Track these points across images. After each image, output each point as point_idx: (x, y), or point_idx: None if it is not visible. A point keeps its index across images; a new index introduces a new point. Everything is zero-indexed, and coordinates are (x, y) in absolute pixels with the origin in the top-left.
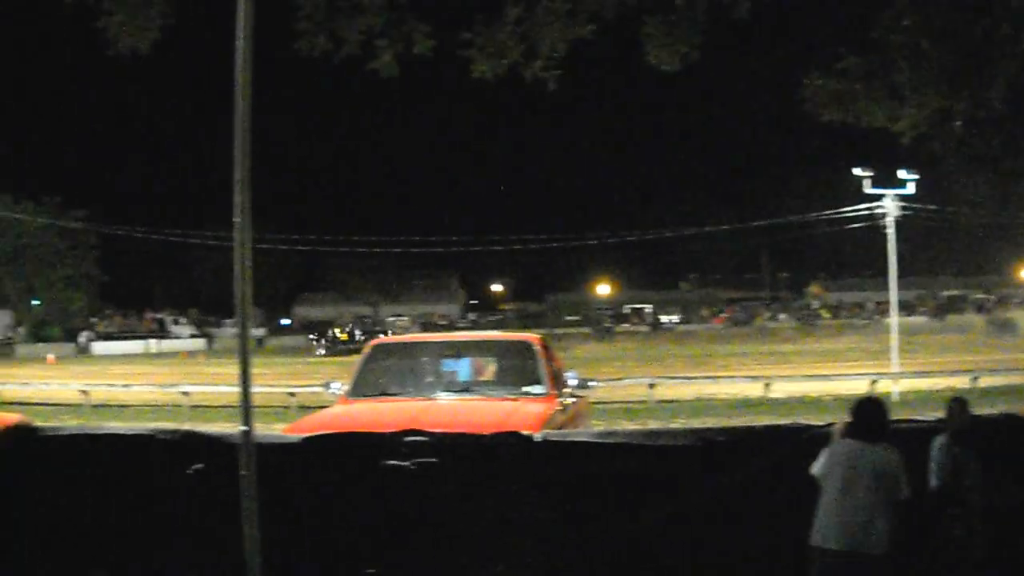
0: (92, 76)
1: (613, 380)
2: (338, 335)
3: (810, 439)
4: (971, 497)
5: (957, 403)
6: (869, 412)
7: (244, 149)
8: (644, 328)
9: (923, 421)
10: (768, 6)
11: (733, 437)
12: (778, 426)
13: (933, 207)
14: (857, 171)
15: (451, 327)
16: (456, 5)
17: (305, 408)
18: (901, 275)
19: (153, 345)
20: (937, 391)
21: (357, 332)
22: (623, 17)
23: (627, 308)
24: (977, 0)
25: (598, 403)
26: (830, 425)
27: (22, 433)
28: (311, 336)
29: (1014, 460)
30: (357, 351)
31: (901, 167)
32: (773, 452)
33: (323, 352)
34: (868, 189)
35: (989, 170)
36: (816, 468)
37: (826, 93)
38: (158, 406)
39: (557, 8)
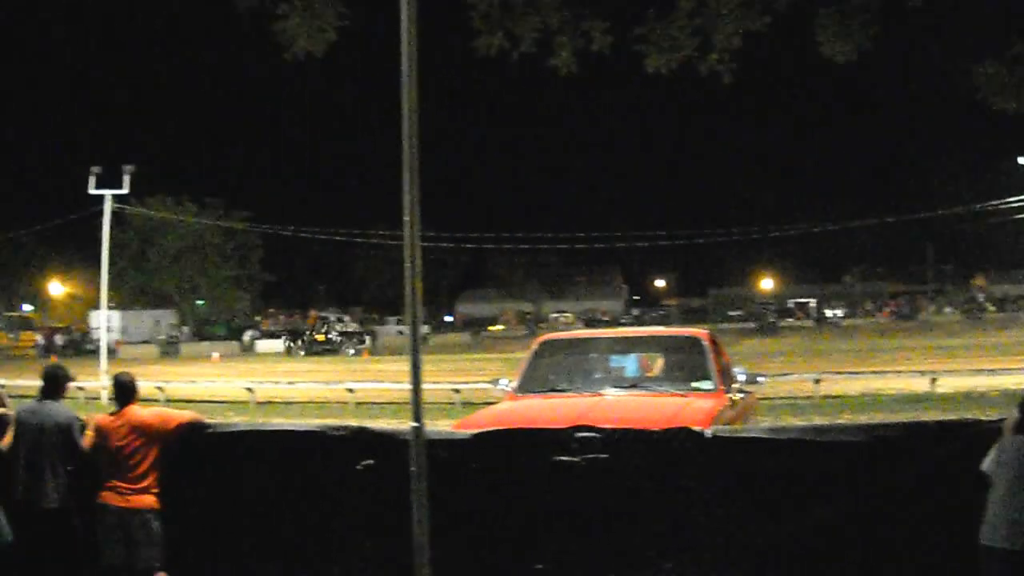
0: (259, 79)
1: (778, 375)
2: (316, 337)
3: (980, 435)
4: None
5: None
6: None
7: (412, 148)
8: (808, 323)
9: None
10: None
11: (903, 433)
12: (948, 421)
13: None
14: (1023, 160)
15: (614, 323)
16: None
17: (469, 405)
18: None
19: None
20: None
21: (333, 333)
22: (796, 8)
23: (790, 302)
24: None
25: (764, 399)
26: (1001, 420)
27: (195, 429)
28: (286, 338)
29: None
30: (334, 351)
31: None
32: (943, 448)
33: (303, 353)
34: None
35: None
36: (986, 464)
37: (998, 81)
38: (323, 403)
39: (731, 1)
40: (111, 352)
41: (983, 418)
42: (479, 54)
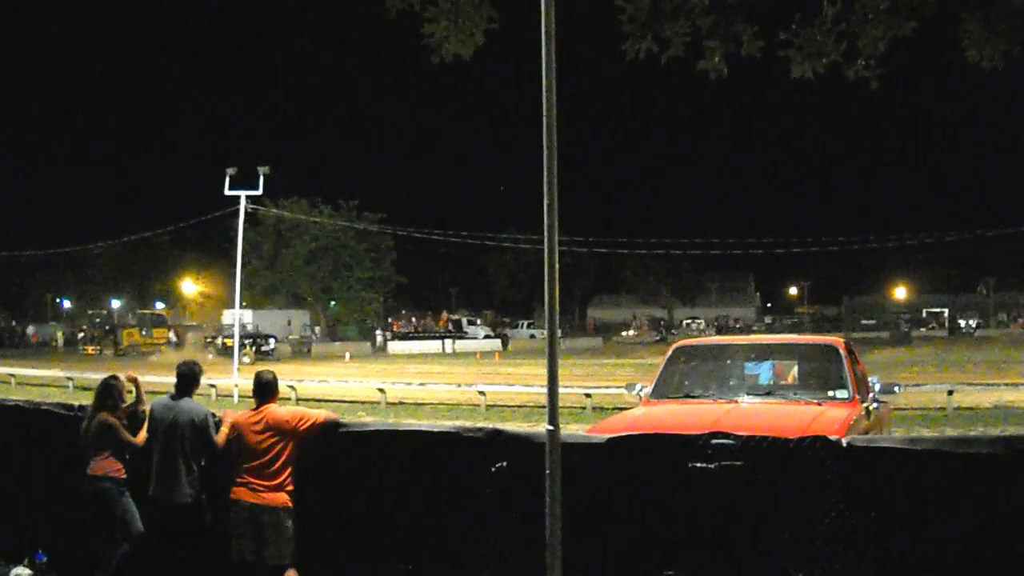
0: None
1: (911, 386)
2: (224, 343)
3: None
4: None
5: None
6: None
7: (552, 153)
8: (941, 332)
9: None
10: None
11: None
12: None
13: None
14: None
15: (746, 330)
16: (773, 4)
17: (600, 410)
18: None
19: (448, 345)
20: None
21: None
22: (942, 13)
23: (924, 312)
24: None
25: (896, 409)
26: None
27: (330, 429)
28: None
29: None
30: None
31: None
32: None
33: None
34: None
35: None
36: None
37: None
38: (454, 405)
39: (877, 5)
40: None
41: None
42: (626, 57)
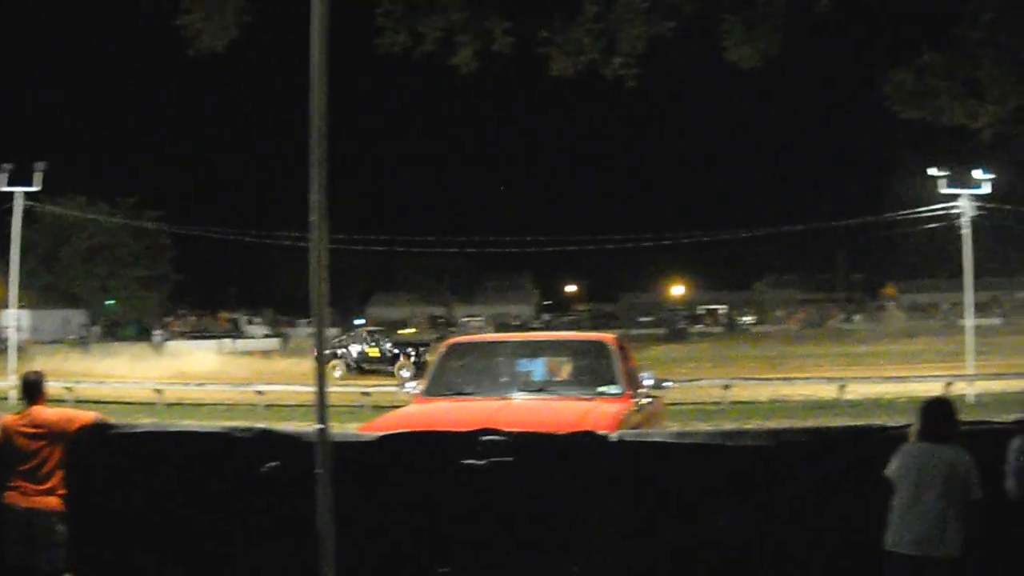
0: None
1: (688, 381)
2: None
3: (886, 441)
4: None
5: None
6: (938, 413)
7: (320, 148)
8: (718, 329)
9: (999, 423)
10: (849, 1)
11: (810, 438)
12: (854, 427)
13: (1009, 207)
14: (932, 171)
15: (525, 328)
16: (535, 3)
17: (380, 408)
18: (977, 276)
19: (227, 344)
20: (1013, 393)
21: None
22: (702, 14)
23: (701, 309)
24: None
25: (673, 404)
26: (906, 426)
27: (99, 430)
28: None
29: None
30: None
31: (978, 166)
32: (849, 454)
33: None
34: (943, 189)
35: None
36: (890, 470)
37: (906, 90)
38: (233, 405)
39: (636, 5)
40: (20, 350)
41: (889, 424)
42: (383, 52)
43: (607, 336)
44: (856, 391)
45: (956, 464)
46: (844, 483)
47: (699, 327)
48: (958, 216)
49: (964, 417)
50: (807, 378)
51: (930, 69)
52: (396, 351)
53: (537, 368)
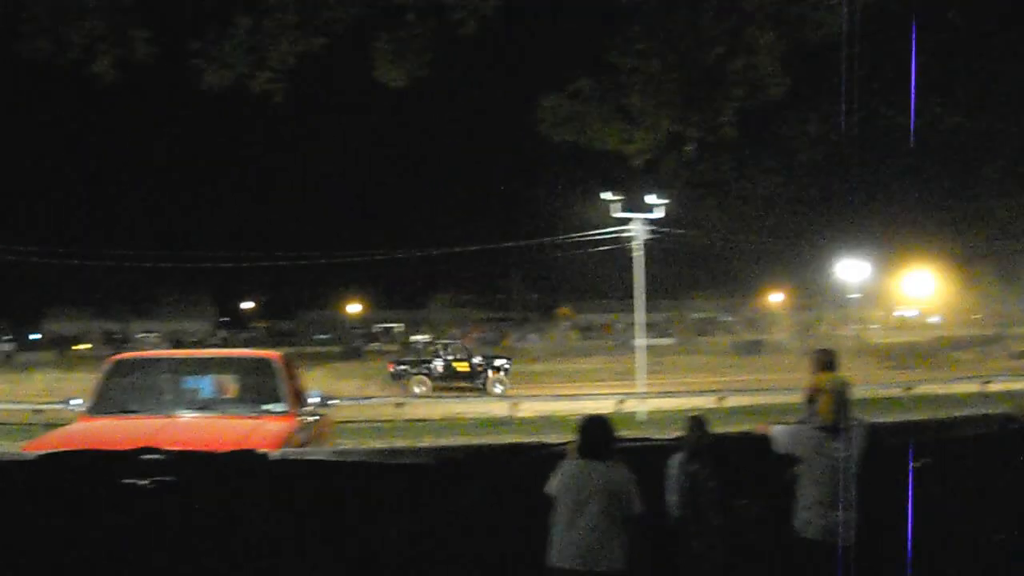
0: None
1: (363, 399)
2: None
3: (547, 457)
4: (709, 514)
5: (693, 421)
6: (595, 430)
7: None
8: (394, 347)
9: (662, 439)
10: (500, 25)
11: (471, 455)
12: (515, 444)
13: (680, 231)
14: (606, 195)
15: (201, 344)
16: (186, 14)
17: (53, 426)
18: (652, 297)
19: None
20: (682, 411)
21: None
22: (355, 31)
23: (377, 327)
24: (710, 29)
25: (347, 422)
26: (567, 443)
27: None
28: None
29: (750, 477)
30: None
31: (652, 191)
32: (511, 470)
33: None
34: (616, 213)
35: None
36: (550, 487)
37: (559, 114)
38: None
39: (288, 20)
40: None
41: (550, 441)
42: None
43: (272, 353)
44: (529, 408)
45: (615, 479)
46: (506, 499)
47: (375, 345)
48: (631, 239)
49: (636, 434)
50: (479, 396)
51: (582, 94)
52: (484, 365)
53: (203, 385)
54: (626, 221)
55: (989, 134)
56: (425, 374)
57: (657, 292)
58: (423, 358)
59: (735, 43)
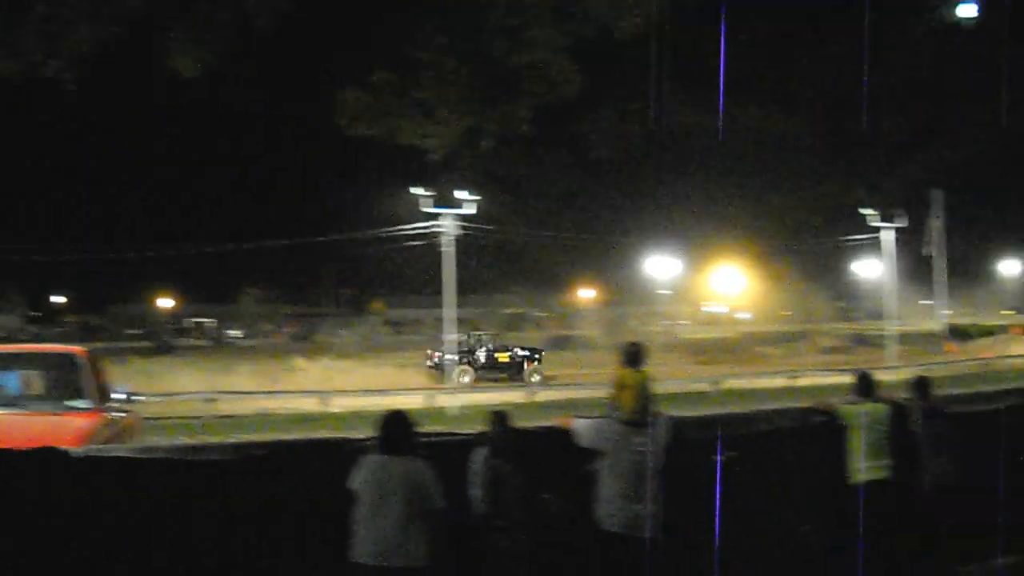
0: None
1: (172, 395)
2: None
3: (351, 453)
4: (512, 508)
5: (496, 416)
6: (394, 425)
7: None
8: (206, 342)
9: (464, 434)
10: (299, 18)
11: (274, 451)
12: (320, 440)
13: (490, 227)
14: (417, 190)
15: (12, 339)
16: None
17: None
18: (464, 292)
19: None
20: (496, 405)
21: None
22: (150, 20)
23: (189, 321)
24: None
25: (157, 418)
26: (368, 439)
27: None
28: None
29: (554, 471)
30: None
31: (452, 187)
32: (315, 466)
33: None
34: (427, 208)
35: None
36: (353, 482)
37: (358, 107)
38: None
39: (83, 8)
40: None
41: (354, 436)
42: None
43: (76, 348)
44: (341, 404)
45: (414, 474)
46: (313, 494)
47: (186, 340)
48: (441, 234)
49: (446, 429)
50: (292, 392)
51: (381, 88)
52: (523, 356)
53: (5, 381)
54: (436, 216)
55: (787, 134)
56: (469, 364)
57: (468, 288)
58: (466, 349)
59: (517, 39)
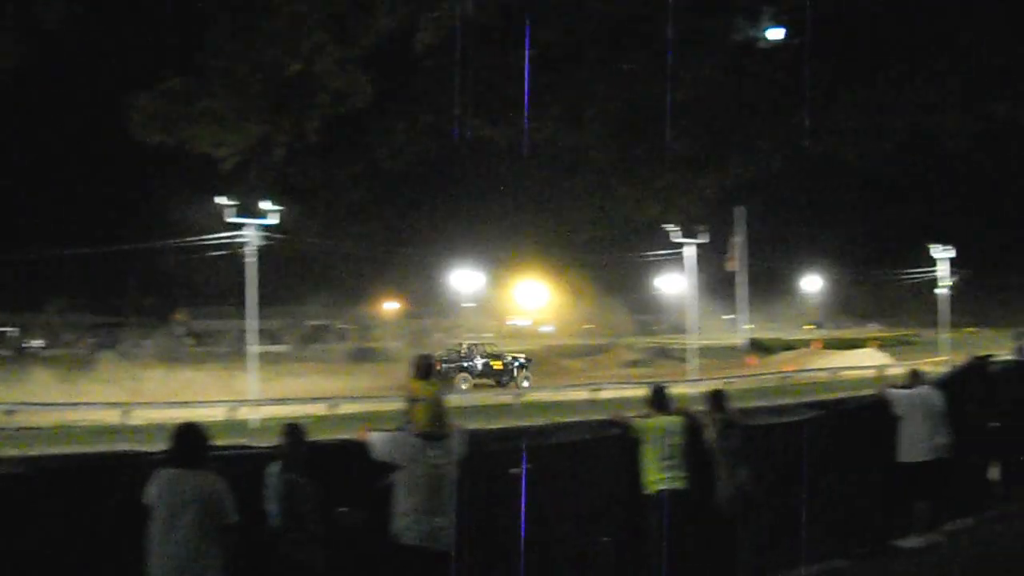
0: None
1: None
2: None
3: (147, 466)
4: (308, 522)
5: (289, 429)
6: (187, 438)
7: None
8: (7, 352)
9: (259, 447)
10: (90, 20)
11: (68, 464)
12: (114, 453)
13: (284, 236)
14: (220, 200)
15: None
16: None
17: None
18: (268, 304)
19: None
20: (295, 417)
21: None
22: None
23: None
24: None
25: None
26: (163, 452)
27: None
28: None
29: (350, 484)
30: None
31: (245, 197)
32: (110, 479)
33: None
34: (230, 218)
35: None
36: (147, 496)
37: (149, 113)
38: None
39: None
40: None
41: (148, 451)
42: None
43: None
44: (142, 416)
45: (207, 488)
46: (104, 509)
47: None
48: (244, 244)
49: (246, 442)
50: (93, 403)
51: (173, 94)
52: (516, 362)
53: None
54: (240, 226)
55: (578, 148)
56: (467, 371)
57: (272, 298)
58: (463, 356)
59: (295, 49)
